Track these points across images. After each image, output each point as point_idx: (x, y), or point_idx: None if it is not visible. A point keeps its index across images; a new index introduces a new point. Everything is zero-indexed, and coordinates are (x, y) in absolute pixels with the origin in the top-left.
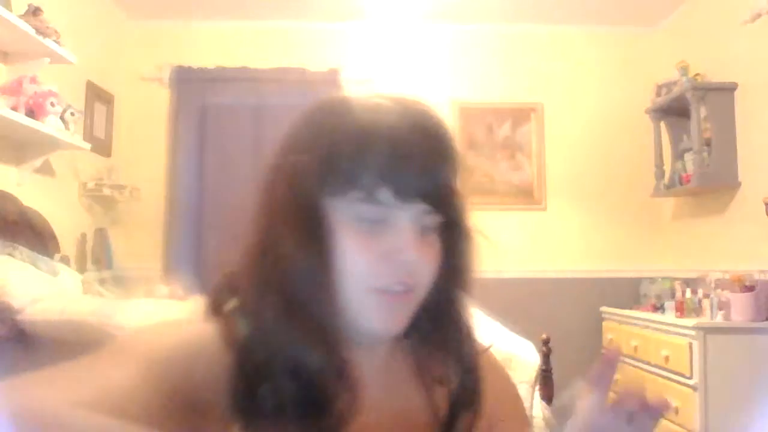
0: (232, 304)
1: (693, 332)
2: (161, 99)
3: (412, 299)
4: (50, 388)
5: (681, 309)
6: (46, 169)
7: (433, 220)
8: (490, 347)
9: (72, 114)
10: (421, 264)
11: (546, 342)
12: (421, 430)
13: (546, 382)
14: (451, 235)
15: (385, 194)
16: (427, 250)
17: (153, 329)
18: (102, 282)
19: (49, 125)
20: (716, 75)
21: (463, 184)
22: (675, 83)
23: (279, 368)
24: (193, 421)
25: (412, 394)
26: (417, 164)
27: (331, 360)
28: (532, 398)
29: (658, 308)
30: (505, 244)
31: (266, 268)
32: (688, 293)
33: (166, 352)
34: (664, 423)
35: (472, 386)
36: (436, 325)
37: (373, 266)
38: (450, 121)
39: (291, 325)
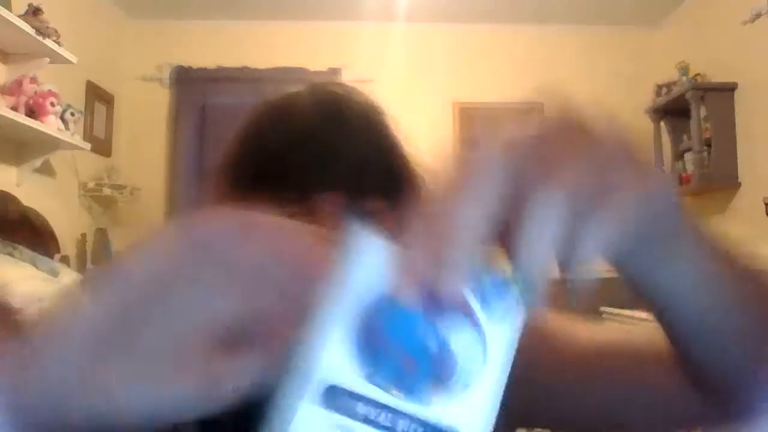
0: None
1: None
2: (161, 99)
3: None
4: None
5: None
6: (46, 169)
7: (368, 207)
8: None
9: (72, 114)
10: None
11: None
12: None
13: None
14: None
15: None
16: None
17: None
18: None
19: (49, 125)
20: (716, 75)
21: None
22: (675, 83)
23: None
24: None
25: None
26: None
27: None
28: None
29: None
30: None
31: None
32: None
33: None
34: None
35: None
36: None
37: None
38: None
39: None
